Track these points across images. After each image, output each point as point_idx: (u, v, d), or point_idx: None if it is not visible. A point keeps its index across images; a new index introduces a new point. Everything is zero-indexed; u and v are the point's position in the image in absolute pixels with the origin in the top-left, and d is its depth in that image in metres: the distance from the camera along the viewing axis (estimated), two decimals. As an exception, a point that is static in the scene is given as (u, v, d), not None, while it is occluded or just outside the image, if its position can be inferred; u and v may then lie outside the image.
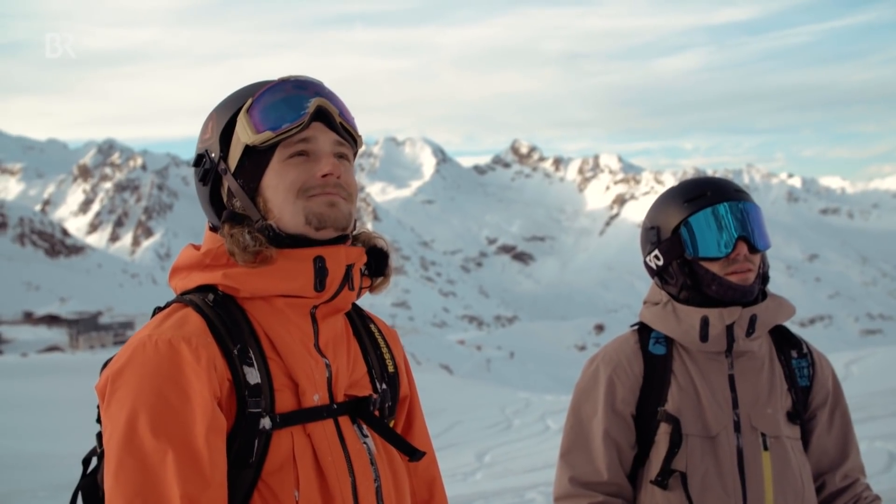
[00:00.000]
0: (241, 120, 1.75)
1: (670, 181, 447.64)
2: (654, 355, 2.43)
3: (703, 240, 2.33)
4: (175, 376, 1.60)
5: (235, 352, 1.68)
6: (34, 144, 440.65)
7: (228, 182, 1.78)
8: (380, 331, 1.98)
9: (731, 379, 2.40)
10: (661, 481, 2.32)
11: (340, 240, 1.78)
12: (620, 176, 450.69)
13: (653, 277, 2.52)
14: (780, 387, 2.44)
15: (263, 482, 1.67)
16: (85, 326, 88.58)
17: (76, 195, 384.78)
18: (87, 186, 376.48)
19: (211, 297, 1.74)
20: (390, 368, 1.93)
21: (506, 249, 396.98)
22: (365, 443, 1.79)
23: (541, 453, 12.53)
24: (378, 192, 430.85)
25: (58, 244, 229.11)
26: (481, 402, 22.80)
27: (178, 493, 1.52)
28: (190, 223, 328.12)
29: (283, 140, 1.74)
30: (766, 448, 2.35)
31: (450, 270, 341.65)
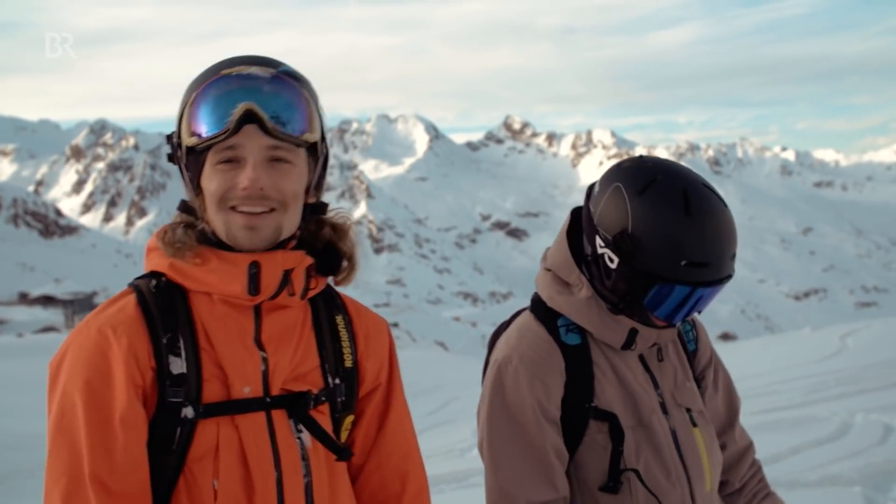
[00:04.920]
0: (183, 117, 1.73)
1: (663, 156, 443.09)
2: (569, 346, 2.22)
3: (663, 306, 2.11)
4: (100, 364, 1.66)
5: (164, 341, 1.70)
6: (26, 125, 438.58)
7: (182, 171, 1.78)
8: (349, 323, 1.93)
9: (642, 359, 2.29)
10: (613, 486, 2.14)
11: (278, 247, 1.77)
12: (614, 151, 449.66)
13: (578, 258, 2.27)
14: (683, 357, 2.38)
15: (188, 468, 1.69)
16: (80, 307, 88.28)
17: (69, 176, 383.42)
18: (80, 167, 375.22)
19: (154, 283, 1.76)
20: (347, 363, 1.89)
21: (500, 226, 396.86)
22: (299, 438, 1.78)
23: (537, 428, 12.54)
24: (371, 169, 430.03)
25: (52, 225, 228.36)
26: (477, 378, 22.58)
27: (86, 472, 1.60)
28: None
29: (213, 145, 1.70)
30: (694, 424, 2.27)
31: (444, 247, 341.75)
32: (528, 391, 2.17)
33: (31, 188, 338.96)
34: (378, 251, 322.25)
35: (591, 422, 2.18)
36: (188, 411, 1.69)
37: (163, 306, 1.74)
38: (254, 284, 1.72)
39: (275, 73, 1.71)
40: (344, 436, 1.90)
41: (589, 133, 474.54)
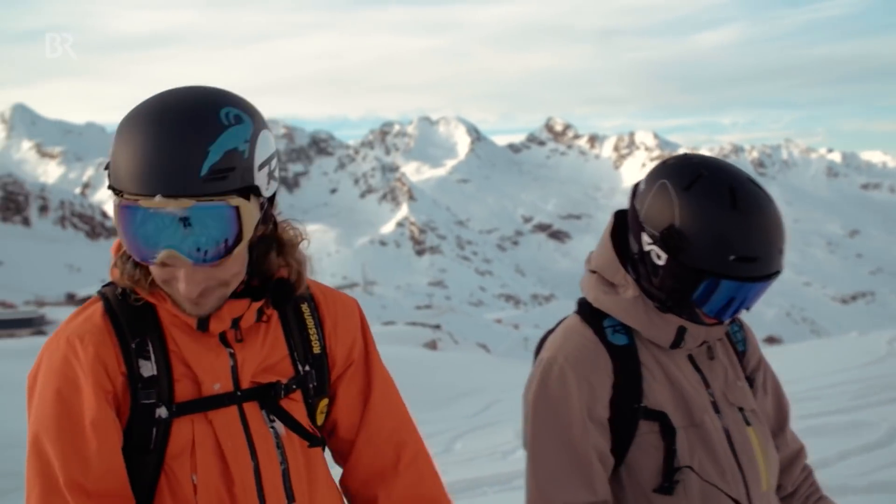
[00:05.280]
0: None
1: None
2: (617, 346, 2.22)
3: (712, 301, 2.10)
4: (68, 373, 1.73)
5: (133, 346, 1.76)
6: (73, 128, 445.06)
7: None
8: (315, 310, 1.98)
9: (692, 359, 2.28)
10: (668, 486, 2.13)
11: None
12: (657, 153, 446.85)
13: (624, 258, 2.27)
14: (733, 357, 2.37)
15: (167, 465, 1.76)
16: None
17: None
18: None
19: (120, 290, 1.81)
20: (315, 349, 1.94)
21: (542, 228, 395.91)
22: (272, 427, 1.84)
23: (580, 432, 12.47)
24: (413, 171, 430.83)
25: (98, 226, 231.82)
26: (519, 380, 22.67)
27: (62, 479, 1.68)
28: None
29: None
30: (748, 423, 2.25)
31: (486, 249, 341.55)
32: (573, 391, 2.17)
33: (77, 190, 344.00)
34: (420, 253, 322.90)
35: (641, 422, 2.17)
36: (162, 411, 1.75)
37: (130, 312, 1.79)
38: (203, 327, 1.78)
39: (192, 206, 1.58)
40: (321, 419, 1.96)
41: (631, 135, 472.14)
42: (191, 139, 1.59)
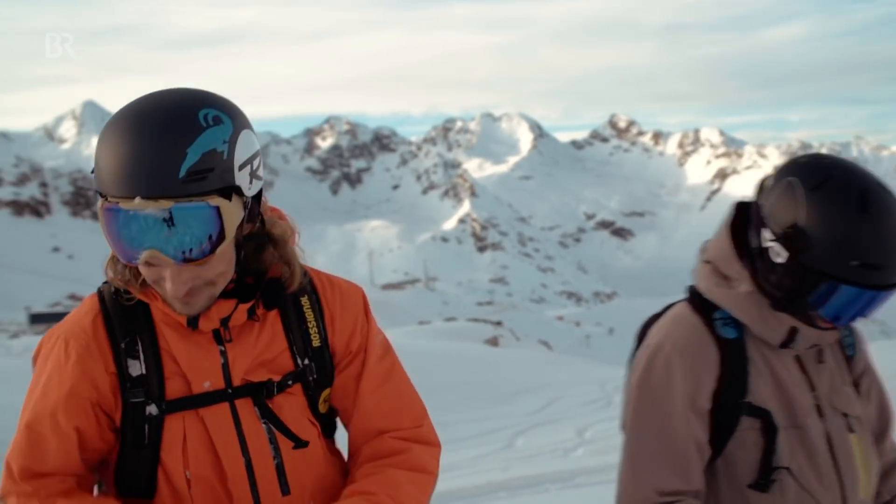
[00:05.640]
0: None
1: (774, 155, 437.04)
2: (726, 339, 2.18)
3: (829, 305, 2.04)
4: (56, 368, 1.82)
5: (123, 345, 1.81)
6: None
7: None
8: (316, 302, 1.98)
9: (798, 360, 2.24)
10: (763, 484, 2.12)
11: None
12: (722, 150, 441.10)
13: (741, 251, 2.20)
14: (842, 361, 2.32)
15: (162, 460, 1.82)
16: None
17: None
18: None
19: (115, 288, 1.86)
20: (315, 342, 1.95)
21: (604, 225, 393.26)
22: (265, 423, 1.86)
23: (642, 430, 12.38)
24: (475, 168, 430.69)
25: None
26: (581, 378, 22.69)
27: (16, 468, 1.80)
28: (291, 200, 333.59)
29: None
30: (851, 430, 2.21)
31: (548, 246, 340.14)
32: (677, 380, 2.15)
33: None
34: (481, 250, 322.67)
35: (744, 418, 2.15)
36: (152, 409, 1.80)
37: (122, 312, 1.84)
38: (193, 325, 1.82)
39: (172, 206, 1.61)
40: (324, 407, 1.98)
41: (696, 131, 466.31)
42: (169, 141, 1.61)
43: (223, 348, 1.84)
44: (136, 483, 1.84)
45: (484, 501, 7.95)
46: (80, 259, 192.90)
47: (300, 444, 1.89)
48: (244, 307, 1.84)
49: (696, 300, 2.26)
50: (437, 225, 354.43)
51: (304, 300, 1.96)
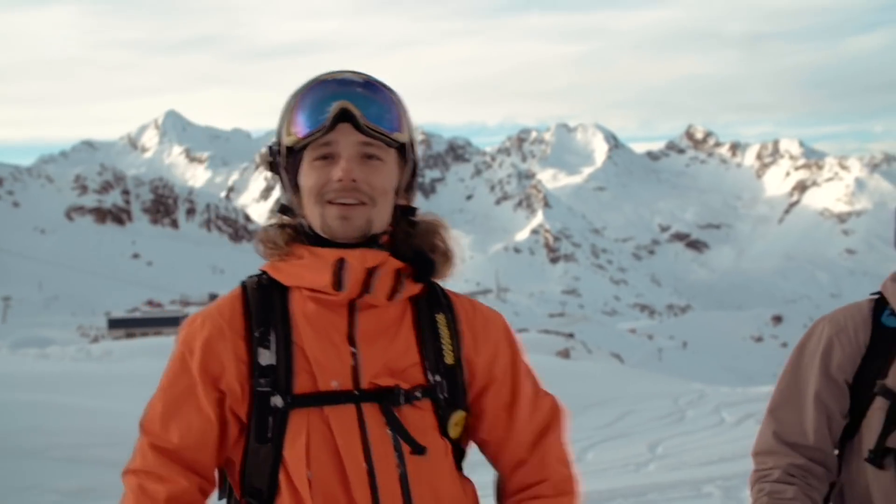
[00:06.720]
0: (284, 120, 1.87)
1: (856, 166, 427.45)
2: (885, 327, 2.31)
3: None
4: (191, 347, 1.89)
5: (257, 334, 1.85)
6: (220, 134, 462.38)
7: (281, 174, 1.93)
8: (452, 321, 1.97)
9: None
10: (875, 459, 2.24)
11: (371, 241, 1.87)
12: (802, 161, 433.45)
13: None
14: None
15: (285, 459, 1.81)
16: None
17: (258, 182, 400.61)
18: (269, 174, 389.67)
19: (257, 280, 1.94)
20: (448, 360, 1.93)
21: (679, 237, 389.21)
22: (392, 431, 1.84)
23: (716, 446, 12.17)
24: (549, 178, 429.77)
25: (241, 230, 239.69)
26: (653, 392, 22.39)
27: (145, 424, 1.89)
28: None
29: (311, 143, 1.83)
30: None
31: (621, 258, 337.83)
32: (824, 348, 2.32)
33: (222, 194, 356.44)
34: (554, 261, 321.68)
35: (877, 398, 2.26)
36: (277, 400, 1.80)
37: (260, 302, 1.89)
38: (339, 280, 1.82)
39: (367, 78, 1.86)
40: (455, 431, 1.93)
41: (775, 143, 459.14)
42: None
43: (355, 350, 1.85)
44: (260, 482, 1.84)
45: (553, 515, 7.84)
46: (158, 266, 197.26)
47: (418, 450, 1.85)
48: (394, 264, 1.86)
49: (877, 294, 2.39)
50: (509, 235, 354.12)
51: (441, 317, 1.96)
